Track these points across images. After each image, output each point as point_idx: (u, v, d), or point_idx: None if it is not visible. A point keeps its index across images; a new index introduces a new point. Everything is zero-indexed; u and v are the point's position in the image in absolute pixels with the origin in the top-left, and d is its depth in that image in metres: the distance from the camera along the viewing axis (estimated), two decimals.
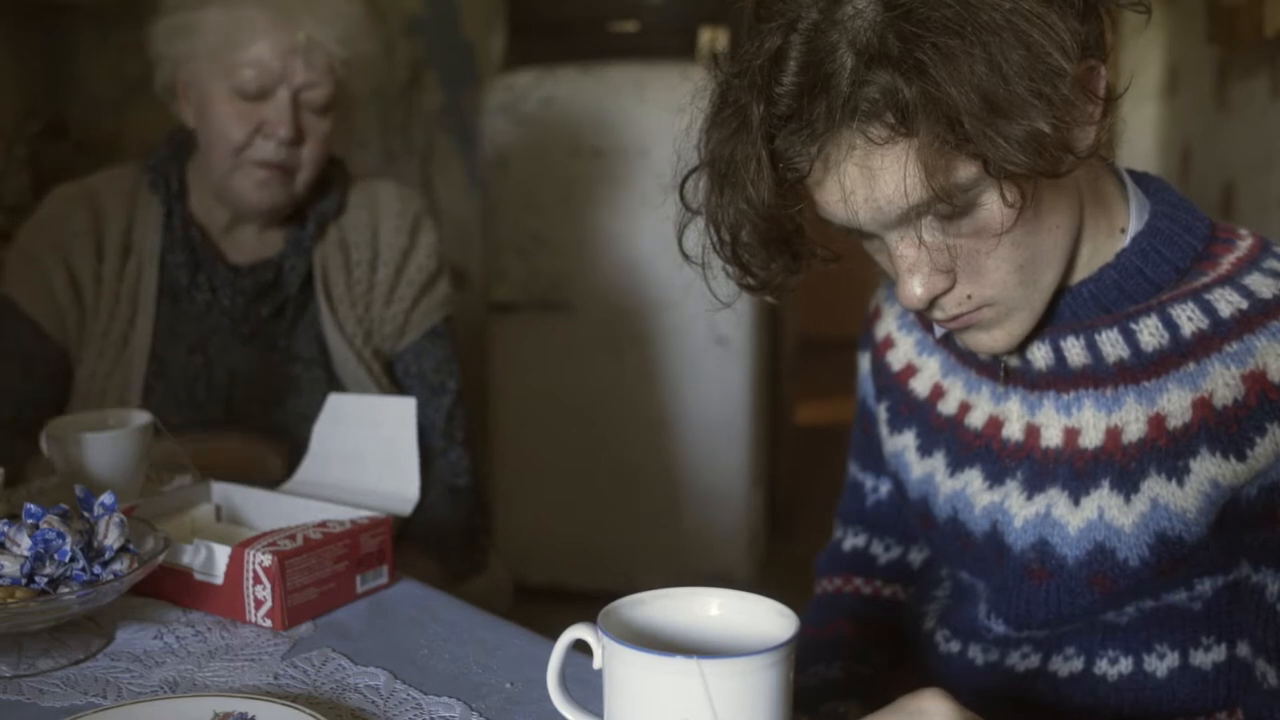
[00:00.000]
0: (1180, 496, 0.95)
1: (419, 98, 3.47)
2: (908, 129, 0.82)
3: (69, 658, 0.98)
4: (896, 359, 1.16)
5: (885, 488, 1.24)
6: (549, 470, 3.06)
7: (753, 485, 3.04)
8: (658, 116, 2.87)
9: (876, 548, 1.27)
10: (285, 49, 1.49)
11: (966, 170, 0.85)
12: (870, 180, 0.86)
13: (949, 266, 0.91)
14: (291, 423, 1.55)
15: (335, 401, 1.30)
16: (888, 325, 1.18)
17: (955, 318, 0.95)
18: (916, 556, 1.27)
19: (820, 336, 4.47)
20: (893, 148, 0.84)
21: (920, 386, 1.12)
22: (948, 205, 0.86)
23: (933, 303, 0.94)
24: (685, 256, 1.00)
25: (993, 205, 0.88)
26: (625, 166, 2.90)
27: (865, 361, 1.23)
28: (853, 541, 1.28)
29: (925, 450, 1.11)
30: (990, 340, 0.98)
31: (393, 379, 1.68)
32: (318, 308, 1.63)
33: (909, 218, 0.89)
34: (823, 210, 0.91)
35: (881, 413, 1.17)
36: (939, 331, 1.08)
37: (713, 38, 2.97)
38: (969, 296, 0.93)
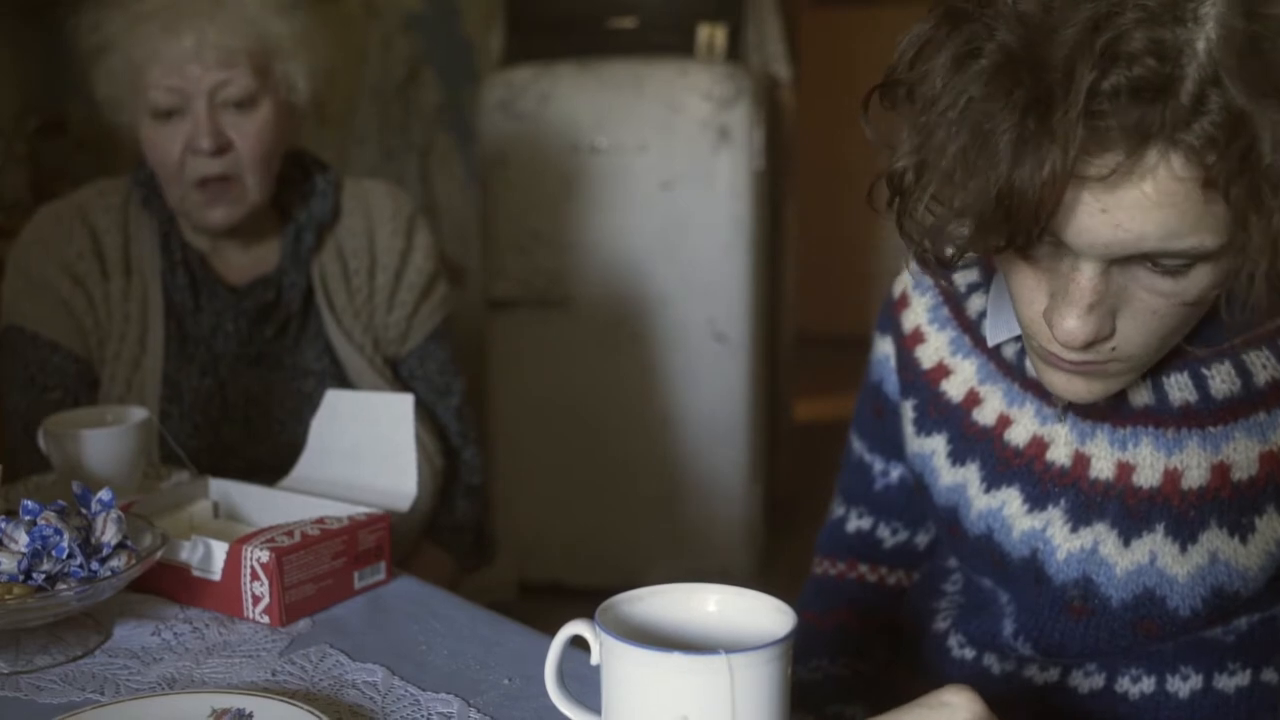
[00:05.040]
0: (1243, 554, 0.92)
1: (417, 95, 3.47)
2: (1224, 177, 0.72)
3: (67, 654, 0.97)
4: (927, 355, 1.08)
5: (896, 472, 1.19)
6: (548, 467, 3.06)
7: (751, 482, 3.04)
8: (656, 113, 2.87)
9: (883, 531, 1.22)
10: (178, 59, 1.47)
11: (1219, 238, 0.76)
12: (1139, 209, 0.75)
13: (1115, 313, 0.83)
14: None
15: (332, 398, 1.30)
16: (917, 316, 1.10)
17: (1083, 363, 0.85)
18: (923, 539, 1.23)
19: (819, 333, 4.47)
20: (1189, 186, 0.73)
21: (954, 390, 1.06)
22: (1180, 262, 0.78)
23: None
24: (896, 199, 0.85)
25: (1200, 277, 0.79)
26: (624, 163, 2.90)
27: (885, 345, 1.16)
28: (857, 523, 1.23)
29: (958, 459, 1.05)
30: (1087, 390, 0.88)
31: (400, 383, 1.69)
32: (322, 321, 1.62)
33: (1134, 257, 0.79)
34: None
35: (907, 411, 1.11)
36: (993, 340, 1.01)
37: (711, 34, 2.96)
38: (1113, 349, 0.84)
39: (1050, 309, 0.83)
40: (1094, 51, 0.71)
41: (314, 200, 1.63)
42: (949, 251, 0.83)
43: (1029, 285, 0.85)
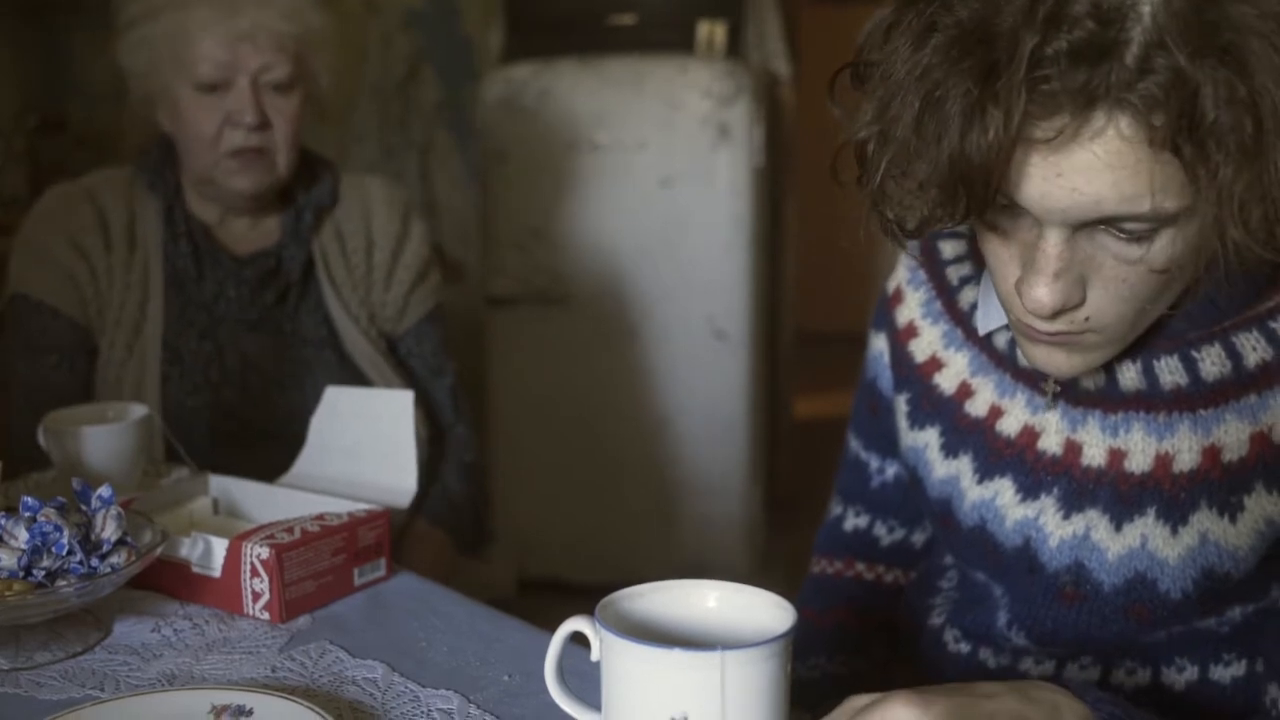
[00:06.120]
0: (1233, 534, 0.92)
1: (417, 92, 3.47)
2: (1171, 136, 0.73)
3: (66, 650, 0.98)
4: (920, 350, 1.09)
5: (892, 470, 1.20)
6: (547, 464, 3.06)
7: (751, 479, 3.04)
8: (656, 110, 2.86)
9: (879, 529, 1.23)
10: (232, 37, 1.55)
11: (1179, 201, 0.77)
12: (1092, 171, 0.77)
13: (1085, 282, 0.83)
14: (310, 405, 1.57)
15: (332, 395, 1.30)
16: (910, 311, 1.11)
17: (1057, 334, 0.86)
18: (919, 537, 1.23)
19: (819, 330, 4.46)
20: (1139, 147, 0.75)
21: (946, 383, 1.07)
22: (1143, 226, 0.79)
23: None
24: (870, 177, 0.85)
25: (1165, 243, 0.80)
26: (623, 160, 2.90)
27: (880, 342, 1.17)
28: (854, 522, 1.24)
29: (950, 451, 1.06)
30: (1067, 364, 0.89)
31: (396, 361, 1.75)
32: (321, 291, 1.69)
33: (1094, 222, 0.80)
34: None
35: (901, 405, 1.11)
36: (984, 329, 1.02)
37: (710, 31, 2.96)
38: (1086, 319, 0.85)
39: (1020, 279, 0.85)
40: (1037, 18, 0.73)
41: (315, 187, 1.71)
42: (913, 222, 0.85)
43: (1003, 259, 0.87)
